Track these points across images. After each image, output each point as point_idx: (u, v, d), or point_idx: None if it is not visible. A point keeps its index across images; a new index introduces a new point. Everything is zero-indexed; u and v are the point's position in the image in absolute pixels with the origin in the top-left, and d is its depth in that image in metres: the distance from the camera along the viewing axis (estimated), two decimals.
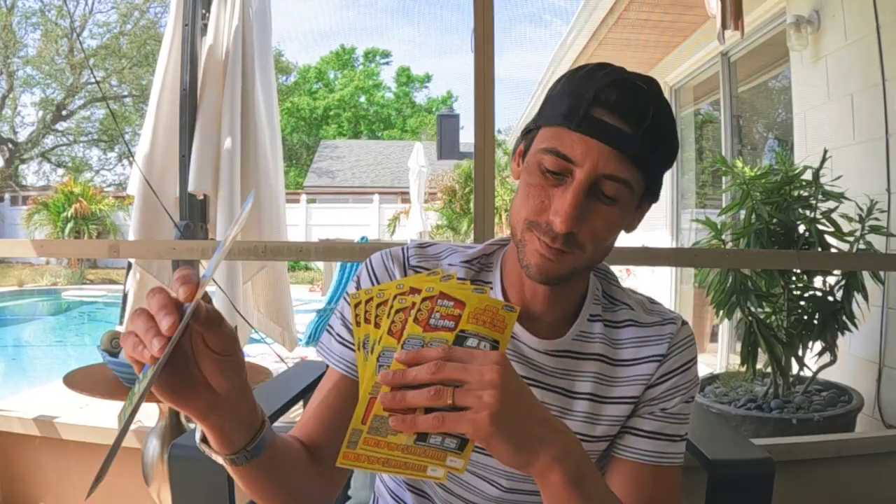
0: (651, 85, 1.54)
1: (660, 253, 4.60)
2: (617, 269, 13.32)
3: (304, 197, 33.70)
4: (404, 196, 32.08)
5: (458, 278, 1.53)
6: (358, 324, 1.30)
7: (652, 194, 1.59)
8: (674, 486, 1.68)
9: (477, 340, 1.26)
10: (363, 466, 1.21)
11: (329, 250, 4.40)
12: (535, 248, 1.53)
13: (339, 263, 10.73)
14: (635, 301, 1.80)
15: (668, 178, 10.17)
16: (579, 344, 1.71)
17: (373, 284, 1.78)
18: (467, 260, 1.77)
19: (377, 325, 1.29)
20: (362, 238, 13.11)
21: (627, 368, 1.71)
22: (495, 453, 1.21)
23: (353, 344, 1.84)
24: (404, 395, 1.20)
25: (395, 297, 1.30)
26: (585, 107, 1.49)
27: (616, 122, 1.47)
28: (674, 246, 10.32)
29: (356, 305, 1.31)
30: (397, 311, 1.29)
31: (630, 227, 1.64)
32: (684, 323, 1.76)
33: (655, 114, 1.49)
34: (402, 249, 1.80)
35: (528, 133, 1.61)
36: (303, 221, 31.43)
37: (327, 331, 1.86)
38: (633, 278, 12.81)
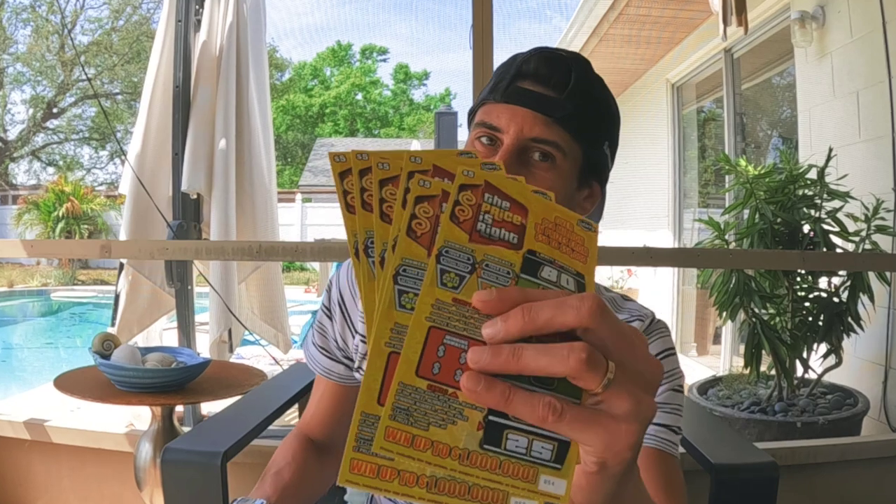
0: (574, 55, 1.60)
1: (662, 253, 4.60)
2: (618, 270, 13.21)
3: (299, 196, 33.65)
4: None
5: None
6: (350, 209, 0.83)
7: (596, 170, 1.60)
8: (681, 475, 1.64)
9: (556, 271, 0.80)
10: (383, 488, 0.72)
11: (325, 251, 4.39)
12: None
13: (334, 264, 10.73)
14: (605, 299, 1.73)
15: (669, 176, 10.19)
16: None
17: (339, 293, 1.82)
18: None
19: (385, 216, 0.81)
20: None
21: None
22: (615, 397, 0.74)
23: (335, 357, 1.87)
24: (520, 352, 0.71)
25: (409, 174, 0.81)
26: (509, 79, 1.56)
27: (539, 88, 1.54)
28: (676, 246, 10.32)
29: (343, 176, 0.84)
30: (418, 200, 0.79)
31: (581, 210, 1.61)
32: (656, 319, 1.72)
33: (579, 78, 1.55)
34: None
35: (470, 120, 1.66)
36: (298, 221, 31.38)
37: (311, 338, 1.89)
38: (635, 279, 12.81)
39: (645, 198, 11.30)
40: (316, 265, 22.34)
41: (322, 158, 39.74)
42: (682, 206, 10.73)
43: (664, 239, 10.64)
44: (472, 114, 1.66)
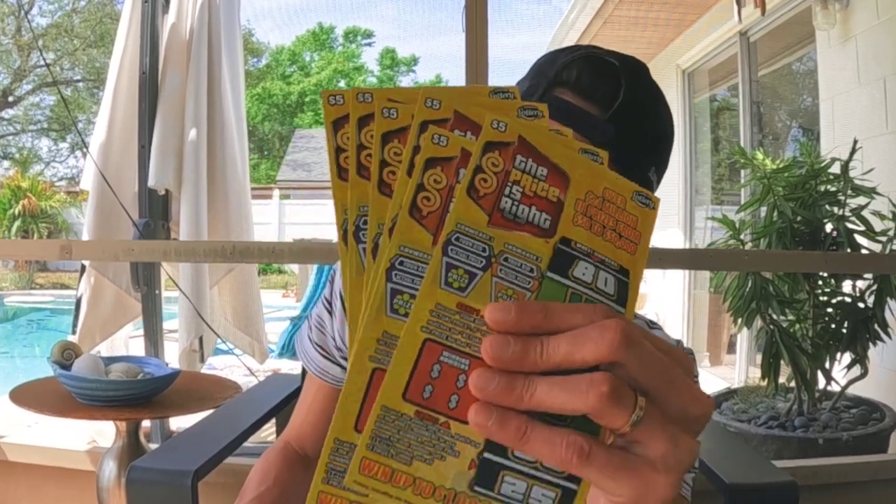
0: (626, 61, 1.47)
1: (671, 254, 4.61)
2: None
3: (276, 192, 33.62)
4: None
5: None
6: (342, 174, 0.72)
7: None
8: None
9: (593, 268, 0.70)
10: None
11: (304, 252, 4.41)
12: None
13: (315, 266, 10.70)
14: None
15: (679, 171, 10.19)
16: None
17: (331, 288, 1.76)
18: None
19: (385, 186, 0.70)
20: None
21: None
22: (646, 434, 0.67)
23: (332, 357, 1.84)
24: (533, 387, 0.64)
25: (422, 125, 0.69)
26: (546, 85, 1.45)
27: (579, 101, 1.42)
28: (687, 247, 10.33)
29: (337, 126, 0.73)
30: (428, 164, 0.67)
31: None
32: (683, 349, 1.55)
33: (629, 94, 1.42)
34: None
35: None
36: (275, 219, 31.38)
37: (307, 333, 1.86)
38: (642, 283, 12.82)
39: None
40: (295, 268, 22.30)
41: (302, 151, 39.74)
42: (694, 203, 10.74)
43: (674, 239, 10.65)
44: None
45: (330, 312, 1.81)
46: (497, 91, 0.73)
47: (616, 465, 0.65)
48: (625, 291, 0.71)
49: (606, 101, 1.41)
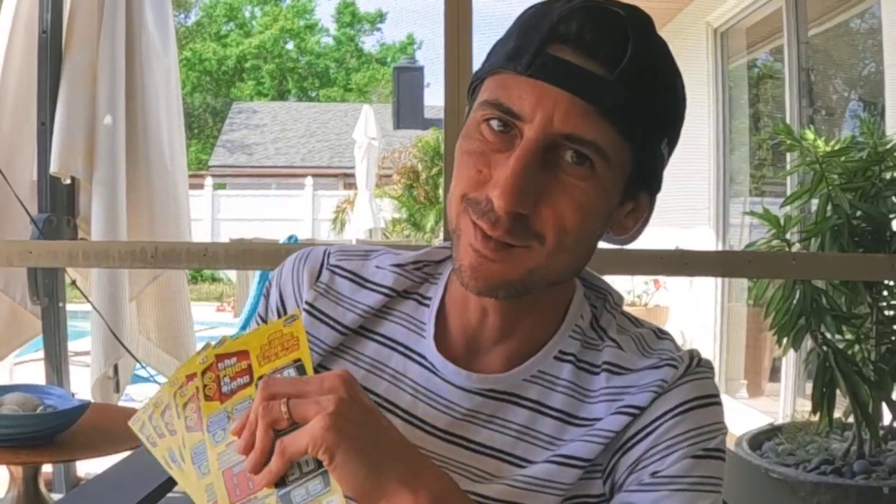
0: (634, 13, 1.45)
1: (700, 258, 4.63)
2: (641, 281, 13.23)
3: (209, 181, 33.56)
4: (348, 179, 32.00)
5: (387, 287, 1.71)
6: (154, 444, 1.38)
7: (647, 178, 1.54)
8: None
9: (285, 373, 1.39)
10: None
11: (243, 254, 4.40)
12: (469, 240, 1.45)
13: (256, 273, 10.74)
14: (632, 336, 1.64)
15: (710, 155, 10.24)
16: (533, 390, 1.59)
17: (280, 298, 1.81)
18: (400, 264, 1.73)
19: (173, 433, 1.38)
20: (290, 238, 13.13)
21: (583, 428, 1.55)
22: (342, 473, 1.27)
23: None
24: (246, 446, 1.31)
25: (174, 394, 1.39)
26: (539, 42, 1.42)
27: (581, 60, 1.40)
28: (720, 248, 10.36)
29: (142, 429, 1.40)
30: (185, 406, 1.38)
31: (621, 229, 1.59)
32: (696, 359, 1.59)
33: (639, 49, 1.41)
34: (325, 249, 1.80)
35: (472, 92, 1.57)
36: (207, 215, 31.32)
37: None
38: (664, 293, 12.83)
39: (678, 184, 11.31)
40: (232, 275, 22.32)
41: (240, 129, 39.73)
42: (728, 194, 10.76)
43: (704, 239, 10.68)
44: (476, 82, 1.55)
45: None
46: (287, 320, 1.43)
47: (296, 438, 1.27)
48: (303, 371, 1.38)
49: (613, 60, 1.40)
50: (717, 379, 1.62)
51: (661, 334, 1.67)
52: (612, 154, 1.42)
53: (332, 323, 1.69)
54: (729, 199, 10.70)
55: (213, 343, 1.42)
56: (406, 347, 1.66)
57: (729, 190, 10.68)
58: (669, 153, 1.55)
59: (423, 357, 1.64)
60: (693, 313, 10.94)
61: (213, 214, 31.65)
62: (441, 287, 1.69)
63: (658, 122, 1.48)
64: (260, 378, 1.36)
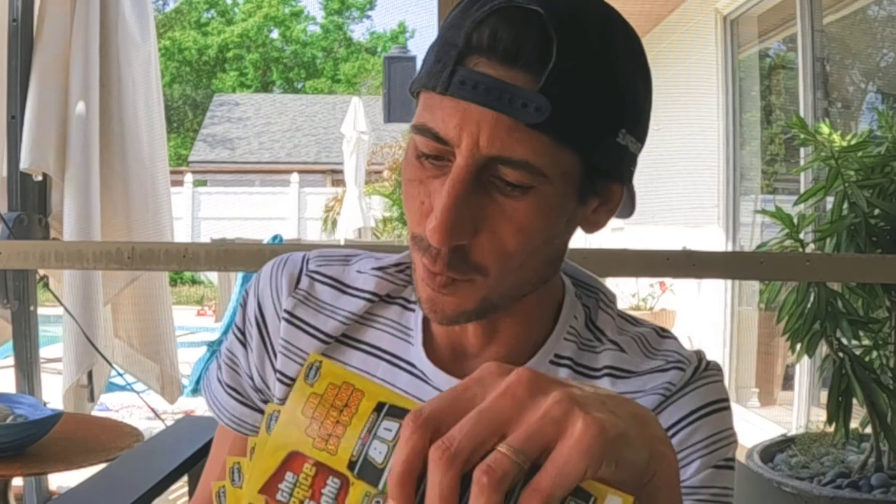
0: (552, 4, 1.37)
1: (708, 259, 4.63)
2: (646, 284, 13.26)
3: (189, 177, 33.59)
4: (336, 176, 32.05)
5: (369, 292, 1.66)
6: None
7: (608, 172, 1.47)
8: None
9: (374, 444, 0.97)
10: None
11: (225, 255, 4.39)
12: (420, 275, 1.47)
13: (238, 275, 10.73)
14: (632, 336, 1.65)
15: (719, 149, 10.26)
16: None
17: (258, 307, 1.77)
18: (381, 267, 1.71)
19: None
20: (275, 238, 13.11)
21: None
22: (623, 468, 0.92)
23: (250, 401, 1.82)
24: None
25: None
26: (456, 56, 1.38)
27: (500, 72, 1.36)
28: (729, 248, 10.37)
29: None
30: None
31: (592, 225, 1.55)
32: (705, 362, 1.61)
33: (565, 46, 1.35)
34: (304, 254, 1.78)
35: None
36: (188, 213, 31.35)
37: (216, 373, 1.85)
38: (669, 297, 12.83)
39: (685, 179, 11.34)
40: (213, 276, 22.30)
41: (222, 123, 39.75)
42: (738, 191, 10.78)
43: (712, 238, 10.69)
44: (412, 94, 1.51)
45: (244, 344, 1.80)
46: (307, 374, 1.01)
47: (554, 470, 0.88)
48: (399, 410, 0.97)
49: (536, 65, 1.35)
50: (726, 385, 1.62)
51: (663, 333, 1.68)
52: (550, 167, 1.38)
53: (313, 331, 1.68)
54: (739, 196, 10.72)
55: (238, 466, 1.06)
56: (393, 356, 1.66)
57: (739, 187, 10.70)
58: (638, 139, 1.50)
59: (413, 365, 1.64)
60: (701, 317, 10.95)
61: (194, 213, 31.68)
62: None
63: (605, 117, 1.43)
64: (352, 465, 0.95)
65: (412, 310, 1.67)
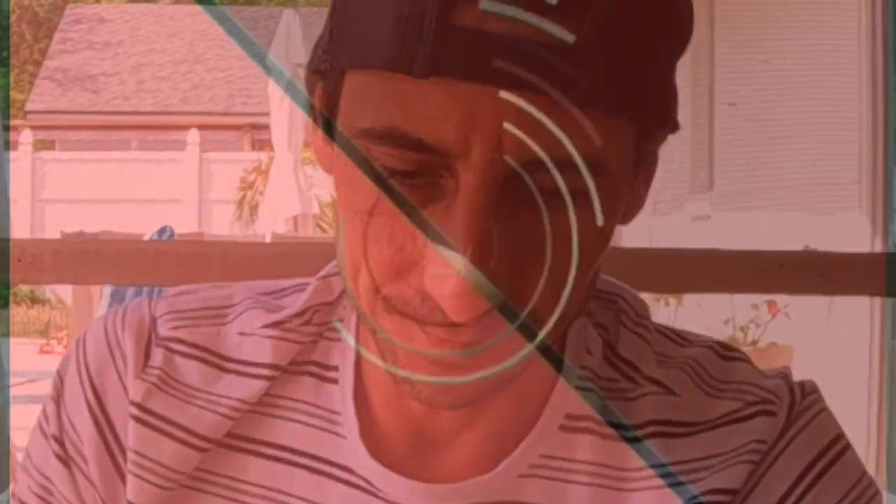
0: None
1: (845, 265, 4.69)
2: (746, 303, 13.33)
3: (27, 135, 33.51)
4: (259, 134, 32.01)
5: (265, 365, 1.54)
6: None
7: (660, 124, 1.37)
8: None
9: None
10: None
11: (84, 259, 4.43)
12: (413, 344, 1.30)
13: (105, 290, 10.77)
14: (681, 366, 1.59)
15: (860, 98, 10.36)
16: (536, 488, 1.52)
17: (92, 392, 1.60)
18: (278, 321, 1.60)
19: None
20: (162, 231, 13.16)
21: None
22: None
23: None
24: None
25: None
26: (438, 8, 1.17)
27: (514, 26, 1.16)
28: (878, 249, 10.41)
29: None
30: None
31: (635, 206, 1.47)
32: (798, 396, 1.55)
33: None
34: (148, 305, 1.65)
35: (322, 75, 1.39)
36: (25, 192, 31.28)
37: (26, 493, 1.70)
38: (783, 321, 12.76)
39: (807, 141, 11.37)
40: (65, 292, 22.39)
41: (81, 50, 39.67)
42: (893, 159, 10.80)
43: (850, 232, 10.70)
44: (324, 72, 1.36)
45: (65, 462, 1.65)
46: None
47: None
48: None
49: (573, 8, 1.17)
50: (868, 468, 1.61)
51: (724, 351, 1.63)
52: (607, 154, 1.24)
53: (180, 434, 1.55)
54: (893, 167, 10.74)
55: None
56: (315, 458, 1.56)
57: (893, 154, 10.71)
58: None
59: (348, 470, 1.54)
60: (833, 356, 10.98)
61: (35, 192, 31.64)
62: (348, 344, 1.57)
63: (660, 58, 1.33)
64: None
65: (333, 381, 1.58)
